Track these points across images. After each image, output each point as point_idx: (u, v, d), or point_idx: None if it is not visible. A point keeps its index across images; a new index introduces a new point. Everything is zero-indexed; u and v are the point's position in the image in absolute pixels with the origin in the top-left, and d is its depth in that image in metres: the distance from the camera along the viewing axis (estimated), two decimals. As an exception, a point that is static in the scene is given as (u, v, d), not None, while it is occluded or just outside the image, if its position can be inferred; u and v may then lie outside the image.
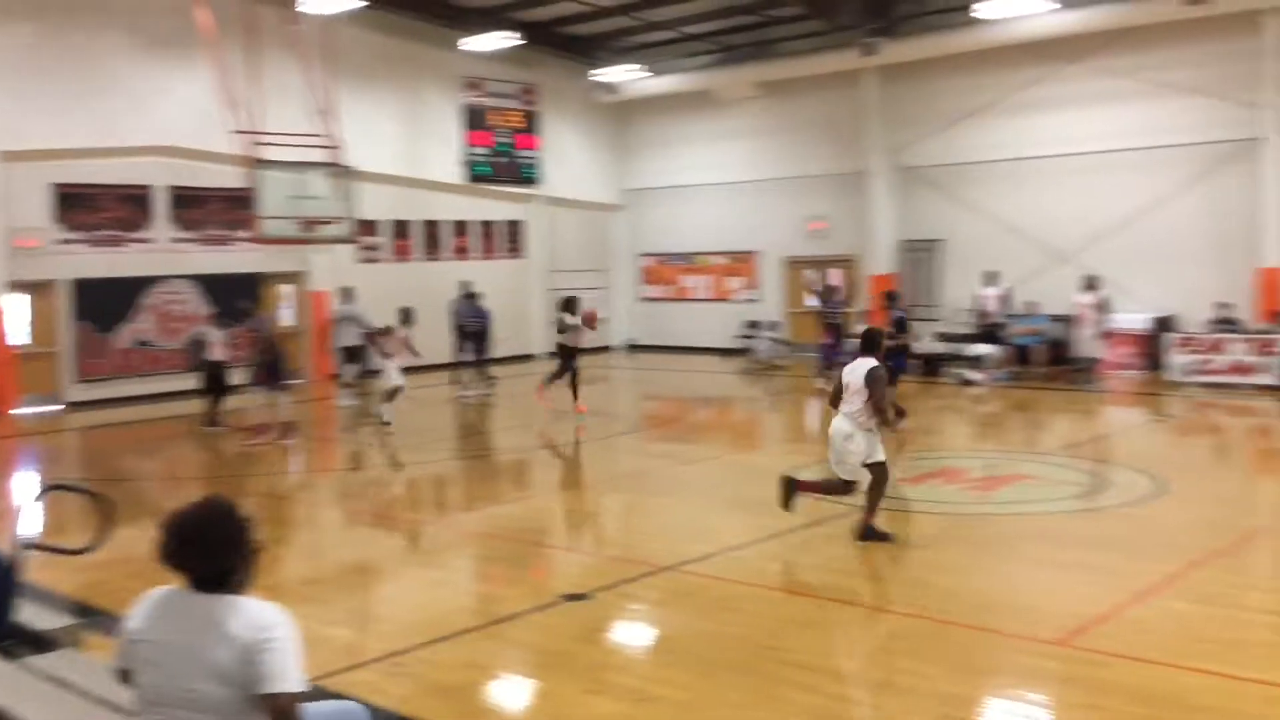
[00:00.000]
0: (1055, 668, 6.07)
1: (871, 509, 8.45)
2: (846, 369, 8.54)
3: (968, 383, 18.75)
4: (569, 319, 16.03)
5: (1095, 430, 15.03)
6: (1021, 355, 19.49)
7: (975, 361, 19.18)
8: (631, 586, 7.67)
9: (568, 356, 15.98)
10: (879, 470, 8.38)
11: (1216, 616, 6.76)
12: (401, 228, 22.96)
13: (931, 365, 20.01)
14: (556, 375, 16.09)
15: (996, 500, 10.22)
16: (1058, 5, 18.68)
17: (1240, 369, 17.25)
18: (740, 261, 25.71)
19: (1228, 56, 18.93)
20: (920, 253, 22.90)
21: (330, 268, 20.75)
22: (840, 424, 8.41)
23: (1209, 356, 17.62)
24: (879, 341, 8.68)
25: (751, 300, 25.29)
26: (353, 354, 18.32)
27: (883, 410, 8.31)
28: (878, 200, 23.05)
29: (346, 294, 18.99)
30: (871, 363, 8.33)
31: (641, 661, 6.49)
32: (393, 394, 15.09)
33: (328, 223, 17.30)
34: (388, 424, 14.95)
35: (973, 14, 19.12)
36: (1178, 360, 17.94)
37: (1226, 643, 6.28)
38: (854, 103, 23.20)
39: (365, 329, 17.65)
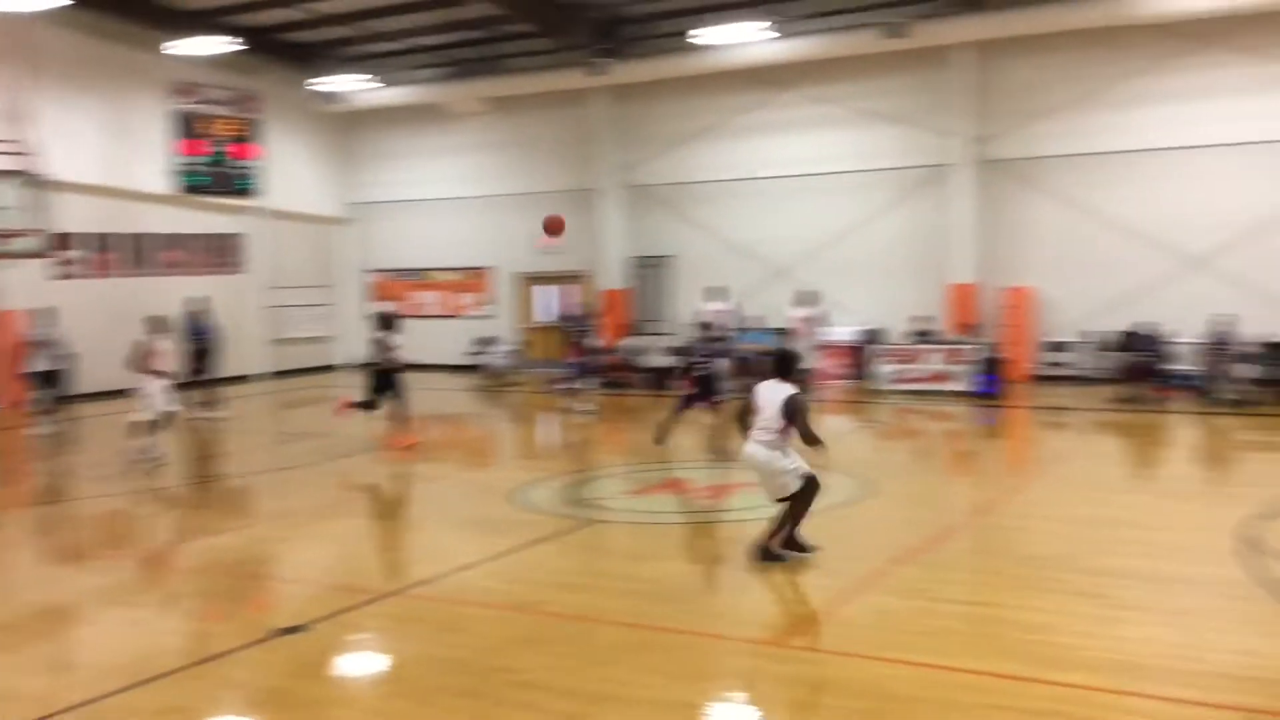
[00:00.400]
0: (773, 668, 6.30)
1: (795, 522, 8.23)
2: (759, 391, 8.23)
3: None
4: (390, 338, 14.34)
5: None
6: (747, 368, 20.22)
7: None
8: (354, 615, 7.38)
9: (385, 382, 14.29)
10: (812, 482, 8.19)
11: (917, 609, 7.21)
12: (104, 241, 21.35)
13: (662, 378, 20.51)
14: (368, 405, 14.41)
15: (723, 508, 10.54)
16: (774, 35, 19.64)
17: (937, 377, 18.64)
18: (473, 277, 25.52)
19: (922, 88, 20.51)
20: (651, 268, 23.49)
21: (21, 284, 18.97)
22: (757, 450, 8.11)
23: (909, 366, 18.96)
24: (793, 364, 8.38)
25: (485, 316, 25.15)
26: (49, 379, 16.81)
27: (811, 437, 8.07)
28: (609, 217, 23.47)
29: (45, 315, 17.22)
30: (788, 389, 8.06)
31: (362, 693, 6.24)
32: (157, 424, 13.12)
33: (18, 235, 15.85)
34: (155, 461, 13.11)
35: (691, 39, 19.83)
36: (883, 370, 19.19)
37: (927, 633, 6.70)
38: (584, 121, 23.56)
39: (62, 353, 16.19)
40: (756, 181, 22.03)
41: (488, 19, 21.51)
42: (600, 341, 20.84)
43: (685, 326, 21.51)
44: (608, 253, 23.51)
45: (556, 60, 22.65)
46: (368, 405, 14.41)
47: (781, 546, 8.17)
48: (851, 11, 19.98)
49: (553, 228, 13.05)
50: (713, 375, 13.02)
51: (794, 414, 7.96)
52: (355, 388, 16.07)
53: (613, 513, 10.67)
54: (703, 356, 13.39)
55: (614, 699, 5.79)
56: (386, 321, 14.63)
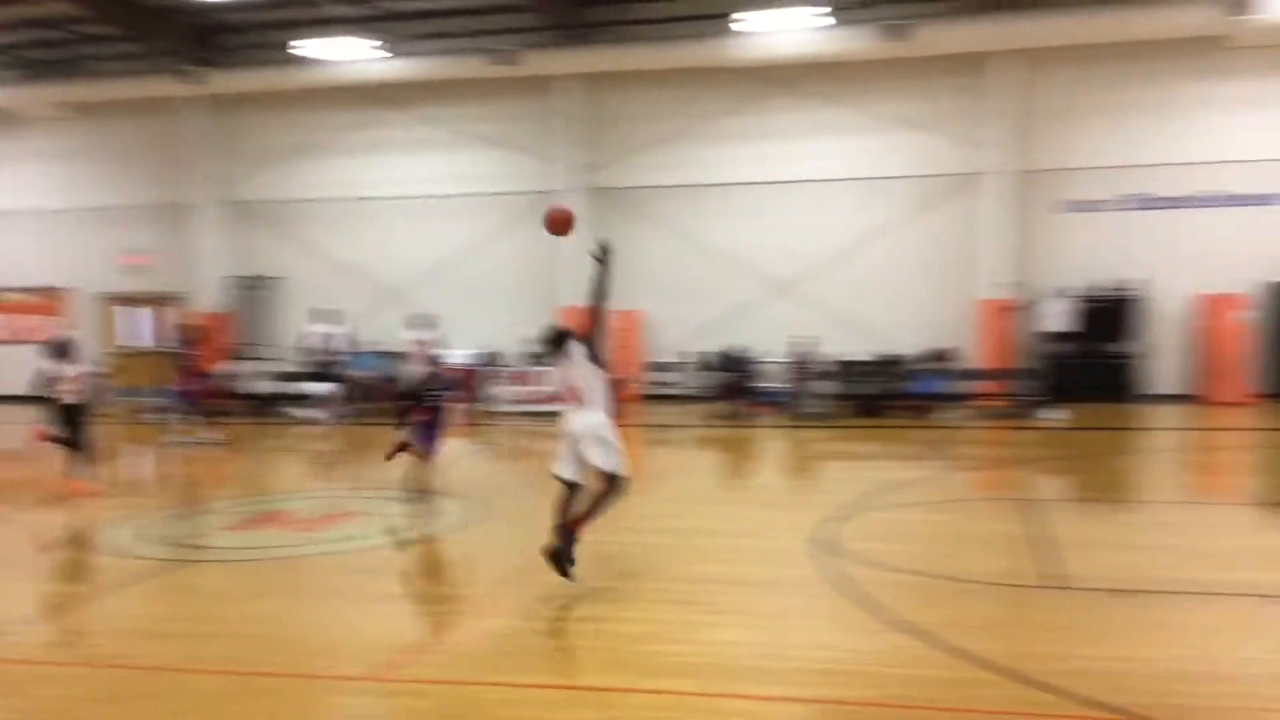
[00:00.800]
0: (370, 704, 6.00)
1: (589, 519, 7.84)
2: (569, 369, 7.85)
3: (303, 421, 18.50)
4: (64, 368, 12.58)
5: (425, 463, 15.51)
6: (365, 393, 19.61)
7: (311, 400, 19.00)
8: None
9: (69, 419, 12.65)
10: (621, 482, 7.81)
11: (524, 630, 7.17)
12: None
13: (266, 404, 19.48)
14: (71, 444, 12.58)
15: (322, 540, 10.03)
16: (384, 54, 19.29)
17: (550, 398, 18.96)
18: (47, 298, 23.03)
19: (531, 115, 20.94)
20: (254, 290, 22.26)
21: None
22: (592, 417, 7.78)
23: (525, 388, 19.18)
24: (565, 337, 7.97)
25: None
26: None
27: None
28: (205, 234, 22.04)
29: None
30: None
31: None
32: None
33: None
34: None
35: (292, 51, 19.08)
36: (499, 392, 19.29)
37: (532, 653, 6.67)
38: (178, 131, 22.00)
39: None
40: (367, 201, 21.54)
41: (66, 19, 19.57)
42: (202, 368, 19.44)
43: (291, 351, 20.59)
44: (204, 273, 22.04)
45: (145, 66, 21.00)
46: (69, 442, 12.68)
47: (553, 555, 7.83)
48: (462, 36, 20.05)
49: (557, 222, 8.58)
50: (440, 408, 12.38)
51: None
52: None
53: (209, 551, 9.89)
54: (437, 388, 12.71)
55: (193, 755, 5.28)
56: (62, 350, 12.90)
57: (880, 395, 18.30)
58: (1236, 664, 6.18)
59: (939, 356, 19.12)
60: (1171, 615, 7.06)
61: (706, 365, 19.83)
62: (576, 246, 20.43)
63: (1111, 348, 18.57)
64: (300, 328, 20.19)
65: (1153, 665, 6.11)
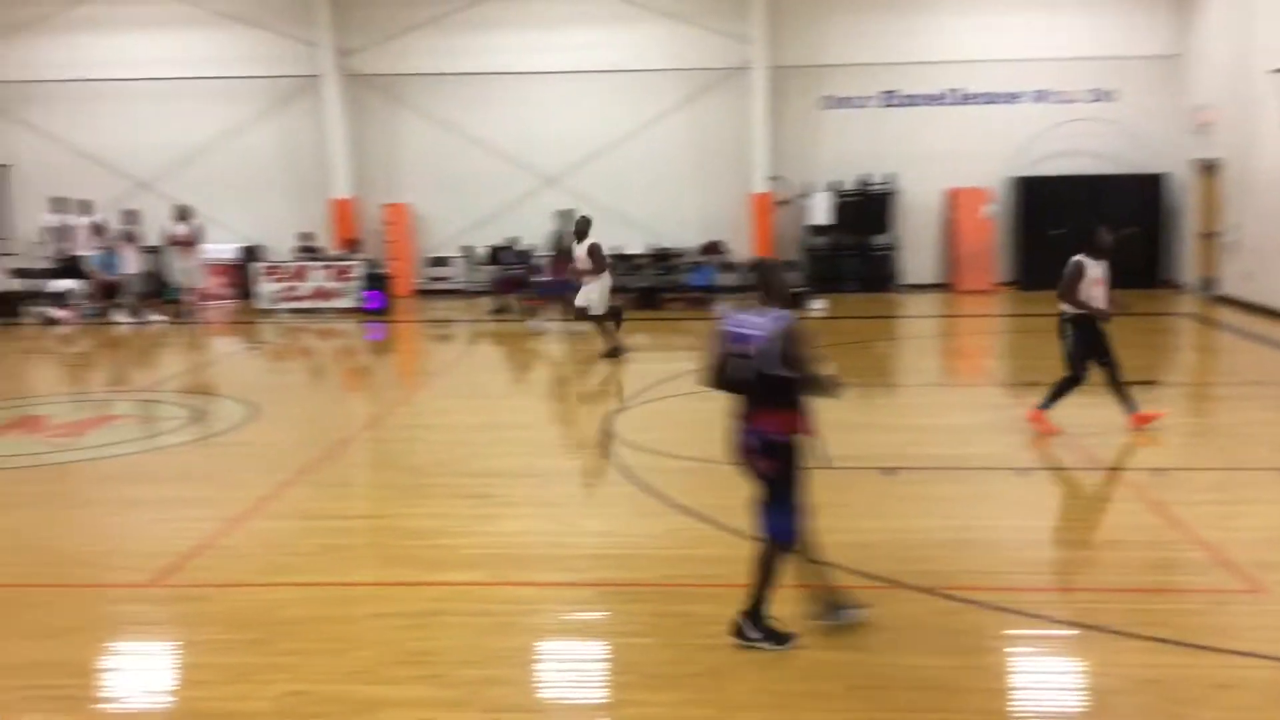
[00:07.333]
0: (150, 611, 5.84)
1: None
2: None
3: (52, 321, 17.30)
4: None
5: (192, 362, 14.88)
6: (111, 290, 18.37)
7: (59, 298, 17.74)
8: None
9: None
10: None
11: (306, 529, 7.09)
12: None
13: (10, 304, 18.07)
14: None
15: (84, 445, 9.52)
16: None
17: (323, 294, 18.44)
18: None
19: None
20: (-18, 179, 20.40)
21: None
22: None
23: (294, 284, 18.52)
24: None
25: None
26: None
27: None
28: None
29: None
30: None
31: None
32: None
33: None
34: None
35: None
36: (266, 288, 18.55)
37: (316, 552, 6.62)
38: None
39: None
40: (108, 84, 19.90)
41: None
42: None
43: (30, 244, 19.07)
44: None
45: None
46: None
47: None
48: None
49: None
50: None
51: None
52: None
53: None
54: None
55: (-45, 675, 5.01)
56: None
57: (657, 288, 18.69)
58: (989, 531, 6.81)
59: (713, 249, 19.64)
60: (931, 489, 7.67)
61: (481, 260, 19.67)
62: (345, 136, 19.80)
63: (869, 240, 19.56)
64: (40, 219, 18.64)
65: (915, 535, 6.66)
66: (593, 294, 13.43)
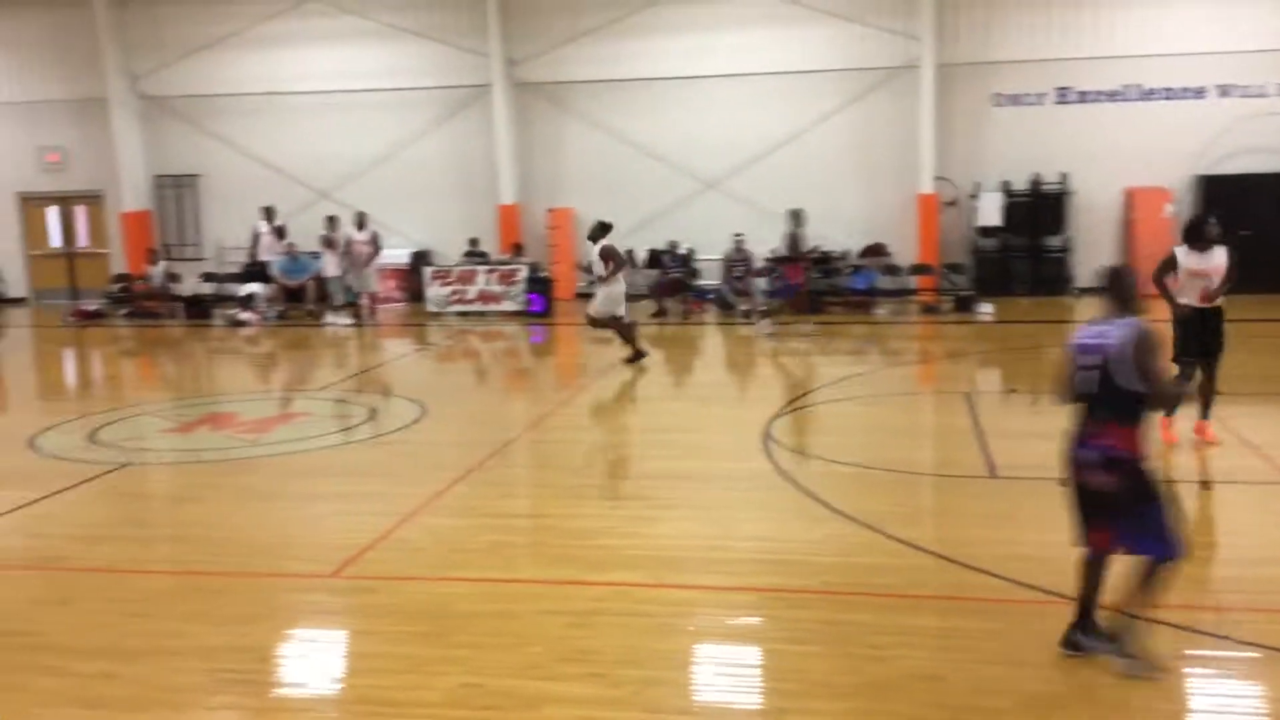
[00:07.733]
0: (328, 601, 6.10)
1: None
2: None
3: (238, 323, 18.26)
4: None
5: (367, 363, 15.48)
6: (293, 293, 19.25)
7: (245, 301, 18.71)
8: None
9: None
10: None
11: (473, 526, 7.28)
12: None
13: (200, 307, 19.16)
14: None
15: (269, 441, 10.01)
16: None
17: (489, 297, 18.89)
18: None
19: (449, 5, 20.29)
20: (176, 189, 21.66)
21: None
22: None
23: (462, 287, 19.03)
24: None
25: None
26: None
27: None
28: (122, 131, 21.23)
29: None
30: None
31: None
32: None
33: None
34: None
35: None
36: (435, 292, 19.13)
37: (482, 549, 6.79)
38: (89, 22, 21.03)
39: None
40: (291, 97, 20.87)
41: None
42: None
43: (224, 251, 20.16)
44: (124, 171, 21.27)
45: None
46: None
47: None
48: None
49: None
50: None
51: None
52: None
53: (150, 454, 9.83)
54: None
55: (151, 653, 5.34)
56: None
57: (818, 291, 18.47)
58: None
59: (875, 251, 19.29)
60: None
61: (641, 263, 19.83)
62: (512, 143, 20.27)
63: (1041, 242, 18.87)
64: (254, 226, 19.59)
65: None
66: (610, 299, 13.30)
